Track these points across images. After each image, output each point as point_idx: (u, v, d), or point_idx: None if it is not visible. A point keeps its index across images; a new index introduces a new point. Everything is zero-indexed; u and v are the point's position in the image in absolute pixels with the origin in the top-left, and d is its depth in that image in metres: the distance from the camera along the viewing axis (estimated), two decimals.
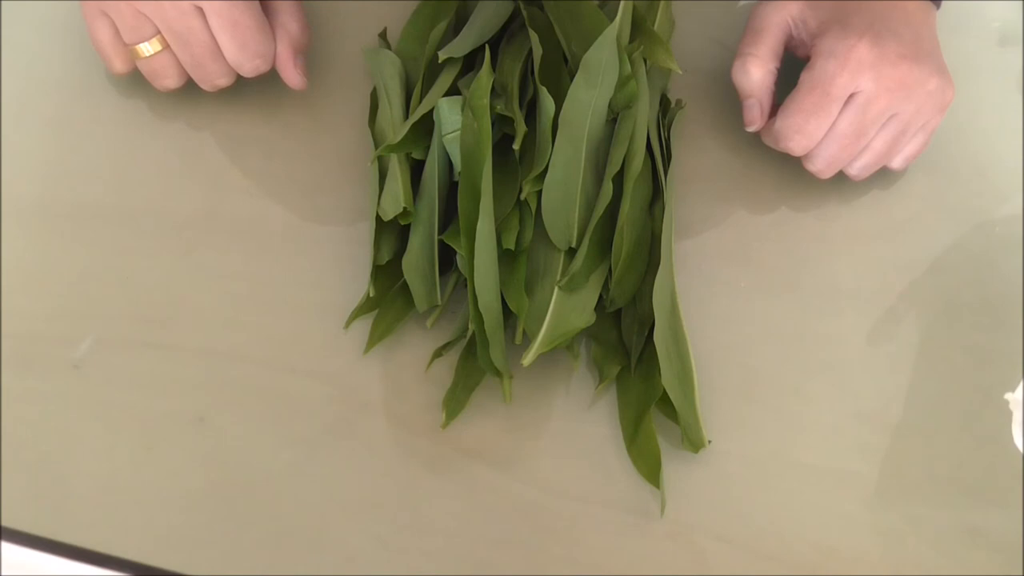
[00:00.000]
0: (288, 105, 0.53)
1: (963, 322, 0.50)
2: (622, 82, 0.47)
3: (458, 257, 0.46)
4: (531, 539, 0.43)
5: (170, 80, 0.49)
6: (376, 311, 0.46)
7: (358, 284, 0.47)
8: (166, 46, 0.47)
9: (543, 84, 0.47)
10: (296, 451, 0.44)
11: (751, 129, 0.51)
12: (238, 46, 0.47)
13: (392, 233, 0.47)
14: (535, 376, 0.46)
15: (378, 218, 0.47)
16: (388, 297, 0.47)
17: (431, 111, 0.47)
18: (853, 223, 0.52)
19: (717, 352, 0.47)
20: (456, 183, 0.46)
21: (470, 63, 0.51)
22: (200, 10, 0.46)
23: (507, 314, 0.45)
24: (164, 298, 0.47)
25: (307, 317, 0.47)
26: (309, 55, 0.52)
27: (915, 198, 0.53)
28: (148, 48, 0.47)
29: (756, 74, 0.49)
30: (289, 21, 0.50)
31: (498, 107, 0.47)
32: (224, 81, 0.49)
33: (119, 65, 0.49)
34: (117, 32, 0.47)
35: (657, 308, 0.45)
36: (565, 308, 0.44)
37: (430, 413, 0.45)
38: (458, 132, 0.46)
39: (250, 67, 0.48)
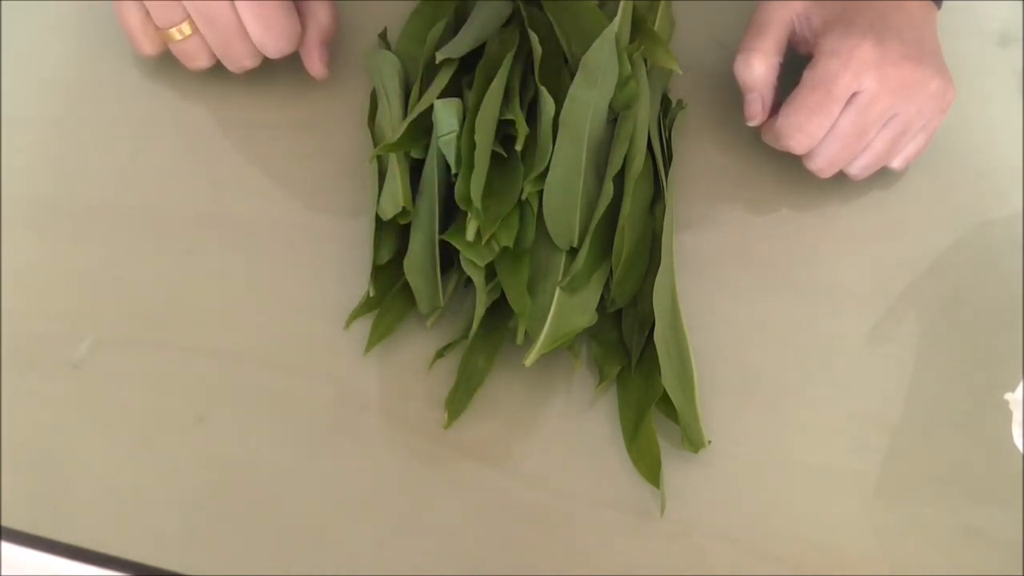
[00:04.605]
0: (288, 105, 0.53)
1: (963, 322, 0.50)
2: (622, 82, 0.47)
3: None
4: (531, 539, 0.43)
5: (201, 61, 0.50)
6: (376, 311, 0.46)
7: (358, 284, 0.47)
8: (196, 29, 0.48)
9: (543, 84, 0.47)
10: (296, 451, 0.44)
11: (752, 124, 0.51)
12: (262, 26, 0.47)
13: (392, 233, 0.47)
14: (536, 376, 0.46)
15: (378, 218, 0.47)
16: (388, 297, 0.47)
17: (429, 110, 0.47)
18: (853, 223, 0.52)
19: (717, 352, 0.47)
20: (455, 182, 0.46)
21: (470, 63, 0.51)
22: None
23: (509, 314, 0.45)
24: (164, 298, 0.47)
25: (307, 317, 0.47)
26: None
27: (915, 198, 0.53)
28: (180, 32, 0.48)
29: (759, 68, 0.49)
30: (320, 10, 0.51)
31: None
32: (250, 62, 0.50)
33: (148, 48, 0.49)
34: (147, 16, 0.48)
35: (657, 308, 0.45)
36: (567, 308, 0.44)
37: (431, 413, 0.45)
38: (454, 134, 0.46)
39: (274, 47, 0.49)
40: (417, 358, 0.46)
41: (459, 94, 0.49)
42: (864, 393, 0.47)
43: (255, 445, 0.44)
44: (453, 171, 0.46)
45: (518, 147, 0.46)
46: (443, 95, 0.47)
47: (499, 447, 0.45)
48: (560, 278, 0.45)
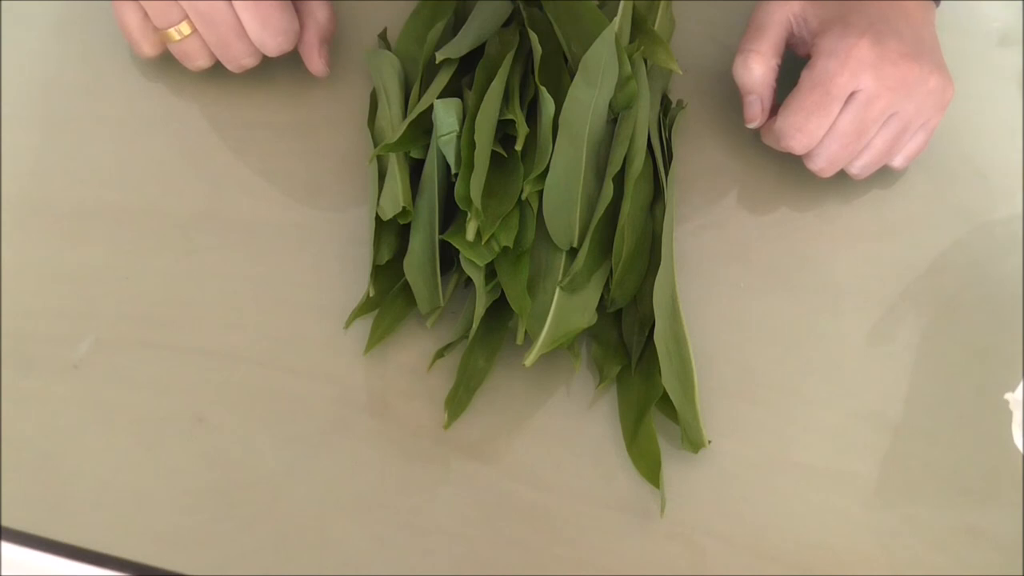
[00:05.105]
0: (288, 105, 0.53)
1: (963, 322, 0.50)
2: (622, 82, 0.47)
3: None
4: (531, 539, 0.43)
5: (201, 61, 0.50)
6: (376, 311, 0.46)
7: (358, 284, 0.47)
8: (195, 29, 0.48)
9: (543, 84, 0.47)
10: (296, 451, 0.44)
11: (752, 125, 0.51)
12: (260, 24, 0.48)
13: (392, 233, 0.47)
14: (536, 376, 0.46)
15: (377, 218, 0.47)
16: (388, 297, 0.47)
17: (429, 110, 0.47)
18: (853, 223, 0.52)
19: (717, 352, 0.47)
20: (455, 182, 0.46)
21: (470, 63, 0.51)
22: None
23: (509, 314, 0.45)
24: (164, 298, 0.47)
25: (307, 317, 0.47)
26: None
27: (915, 198, 0.53)
28: (178, 33, 0.48)
29: (758, 70, 0.50)
30: (317, 9, 0.51)
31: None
32: (250, 61, 0.50)
33: (148, 49, 0.50)
34: (145, 17, 0.48)
35: (657, 308, 0.45)
36: (567, 308, 0.44)
37: (431, 413, 0.45)
38: (453, 134, 0.46)
39: (273, 45, 0.49)
40: (417, 358, 0.46)
41: (459, 94, 0.49)
42: (864, 393, 0.47)
43: (255, 445, 0.44)
44: (453, 171, 0.46)
45: (518, 147, 0.46)
46: (443, 95, 0.47)
47: (499, 447, 0.45)
48: (560, 278, 0.45)
